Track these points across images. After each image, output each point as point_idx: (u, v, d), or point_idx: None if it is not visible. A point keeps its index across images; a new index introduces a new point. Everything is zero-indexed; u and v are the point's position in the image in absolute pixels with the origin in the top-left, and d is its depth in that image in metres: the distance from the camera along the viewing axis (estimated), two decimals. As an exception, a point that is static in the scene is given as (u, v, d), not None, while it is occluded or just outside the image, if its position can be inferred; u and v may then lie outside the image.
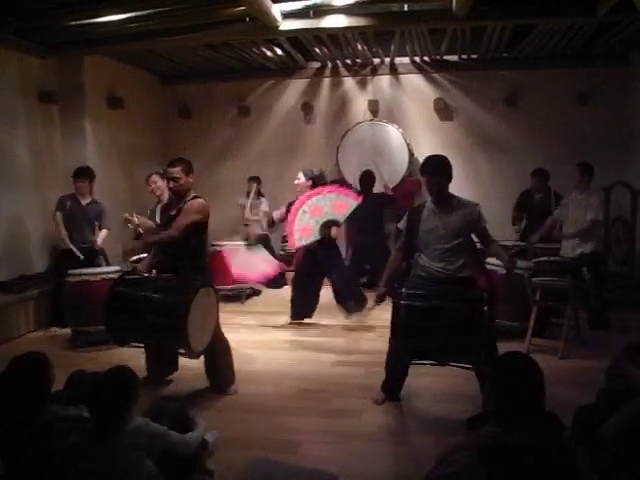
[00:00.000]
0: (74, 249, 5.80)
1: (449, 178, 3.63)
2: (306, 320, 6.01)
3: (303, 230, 5.43)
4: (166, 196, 5.27)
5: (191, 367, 4.23)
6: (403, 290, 3.45)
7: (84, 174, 5.97)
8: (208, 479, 2.83)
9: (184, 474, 2.67)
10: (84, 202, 5.98)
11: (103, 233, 6.07)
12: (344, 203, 5.53)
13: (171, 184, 3.95)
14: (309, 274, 5.83)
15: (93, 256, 5.95)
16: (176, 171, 3.90)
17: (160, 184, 5.81)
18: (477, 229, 3.67)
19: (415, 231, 3.70)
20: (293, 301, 6.00)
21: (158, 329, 3.56)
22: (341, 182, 7.69)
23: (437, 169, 3.62)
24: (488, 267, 5.14)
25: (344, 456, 3.20)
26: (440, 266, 3.60)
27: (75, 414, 2.41)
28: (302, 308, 5.96)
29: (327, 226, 5.46)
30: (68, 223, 5.90)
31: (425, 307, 3.38)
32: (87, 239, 5.95)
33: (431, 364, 3.55)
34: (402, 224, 3.87)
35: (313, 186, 5.66)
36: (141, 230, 4.64)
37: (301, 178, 5.69)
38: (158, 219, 4.82)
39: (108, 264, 6.00)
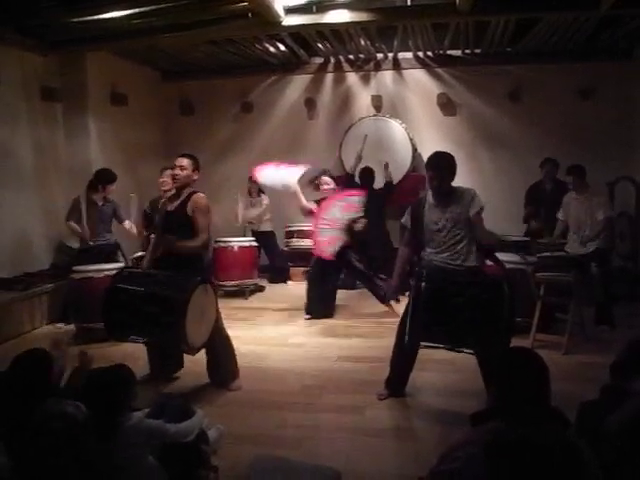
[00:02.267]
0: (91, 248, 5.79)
1: (451, 175, 3.63)
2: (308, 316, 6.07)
3: (330, 241, 5.75)
4: None
5: (197, 363, 4.24)
6: (423, 272, 3.44)
7: (114, 177, 5.94)
8: (212, 475, 2.83)
9: (188, 471, 2.68)
10: (99, 203, 5.91)
11: (128, 224, 6.04)
12: (350, 205, 5.87)
13: (177, 171, 3.97)
14: (325, 271, 5.97)
15: (112, 253, 5.98)
16: (185, 161, 3.97)
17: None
18: (470, 213, 3.56)
19: (419, 226, 3.71)
20: (309, 298, 6.09)
21: (156, 324, 3.58)
22: (344, 177, 7.73)
23: (440, 165, 3.62)
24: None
25: (348, 452, 3.21)
26: (446, 258, 3.60)
27: (73, 411, 2.42)
28: (319, 306, 6.06)
29: (350, 228, 5.83)
30: (86, 224, 5.83)
31: (445, 288, 3.38)
32: (105, 237, 5.94)
33: (443, 348, 3.48)
34: (405, 219, 3.87)
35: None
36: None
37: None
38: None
39: (125, 258, 6.03)
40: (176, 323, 3.48)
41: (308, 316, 6.04)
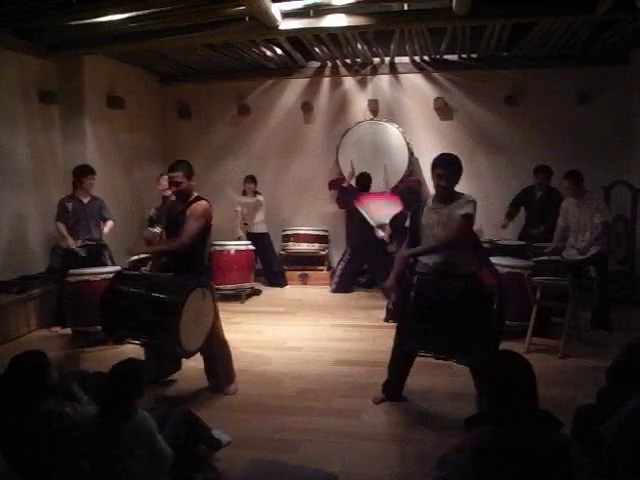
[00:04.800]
0: (78, 250, 5.82)
1: (457, 178, 3.62)
2: (304, 318, 6.11)
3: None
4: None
5: (194, 366, 4.24)
6: (415, 277, 3.43)
7: (92, 170, 6.00)
8: (212, 476, 2.83)
9: (188, 474, 2.68)
10: (85, 200, 5.98)
11: (109, 224, 6.14)
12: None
13: (173, 188, 3.99)
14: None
15: (99, 253, 5.99)
16: (178, 175, 3.94)
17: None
18: (459, 212, 3.52)
19: (417, 228, 3.71)
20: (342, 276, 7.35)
21: (151, 326, 3.58)
22: (340, 182, 7.74)
23: (451, 165, 3.61)
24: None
25: (344, 456, 3.21)
26: (440, 261, 3.58)
27: (71, 411, 2.43)
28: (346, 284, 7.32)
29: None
30: (73, 223, 5.89)
31: (435, 297, 3.37)
32: (93, 236, 5.98)
33: (431, 357, 3.47)
34: (407, 222, 3.88)
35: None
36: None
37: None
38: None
39: (112, 261, 6.02)
40: (169, 325, 3.47)
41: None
